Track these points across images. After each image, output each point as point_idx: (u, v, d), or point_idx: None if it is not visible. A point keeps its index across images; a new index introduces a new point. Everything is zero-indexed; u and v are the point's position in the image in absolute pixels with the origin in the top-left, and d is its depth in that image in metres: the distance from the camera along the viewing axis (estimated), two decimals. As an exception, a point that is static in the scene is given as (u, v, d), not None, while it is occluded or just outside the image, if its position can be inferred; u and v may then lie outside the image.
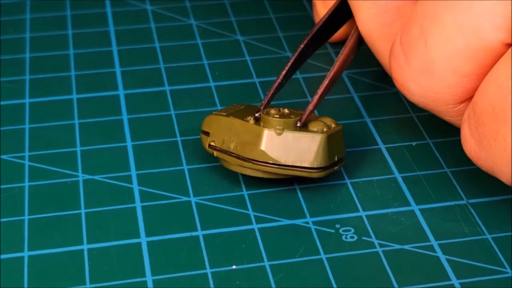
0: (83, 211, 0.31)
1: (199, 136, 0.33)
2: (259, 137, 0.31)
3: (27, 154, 0.34)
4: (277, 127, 0.31)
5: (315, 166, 0.31)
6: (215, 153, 0.32)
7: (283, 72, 0.33)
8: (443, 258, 0.30)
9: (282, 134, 0.31)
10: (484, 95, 0.28)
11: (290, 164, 0.31)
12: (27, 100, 0.37)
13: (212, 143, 0.32)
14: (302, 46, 0.34)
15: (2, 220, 0.31)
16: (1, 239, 0.30)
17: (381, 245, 0.30)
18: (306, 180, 0.32)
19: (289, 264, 0.29)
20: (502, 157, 0.28)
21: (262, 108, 0.32)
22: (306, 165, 0.31)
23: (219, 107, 0.37)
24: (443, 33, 0.28)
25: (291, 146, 0.31)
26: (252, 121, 0.32)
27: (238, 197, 0.32)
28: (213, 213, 0.31)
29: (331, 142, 0.31)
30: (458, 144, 0.30)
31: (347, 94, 0.38)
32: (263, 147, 0.31)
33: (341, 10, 0.35)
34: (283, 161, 0.31)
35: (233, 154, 0.31)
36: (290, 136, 0.31)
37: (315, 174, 0.31)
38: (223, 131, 0.32)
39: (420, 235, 0.30)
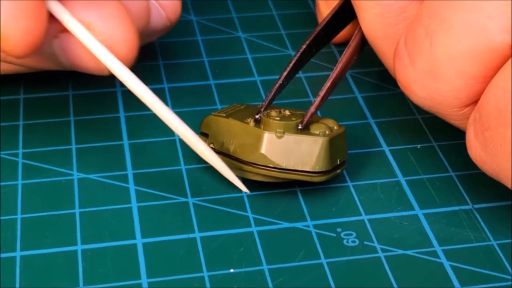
0: (77, 210, 0.31)
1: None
2: (259, 140, 0.31)
3: (20, 151, 0.34)
4: (278, 130, 0.31)
5: (316, 170, 0.31)
6: (214, 155, 0.32)
7: (285, 73, 0.33)
8: (447, 264, 0.29)
9: (283, 137, 0.31)
10: (490, 99, 0.28)
11: (291, 168, 0.31)
12: (21, 96, 0.37)
13: (211, 145, 0.32)
14: (304, 46, 0.33)
15: (-6, 218, 0.31)
16: (-7, 239, 0.30)
17: (383, 250, 0.30)
18: (308, 183, 0.32)
19: (289, 268, 0.29)
20: (508, 162, 0.28)
21: (262, 109, 0.32)
22: (308, 169, 0.31)
23: (219, 106, 0.37)
24: (449, 34, 0.28)
25: (292, 150, 0.31)
26: (252, 123, 0.31)
27: (237, 199, 0.32)
28: (211, 215, 0.31)
29: (333, 145, 0.31)
30: (464, 147, 0.30)
31: (351, 94, 0.37)
32: (263, 150, 0.31)
33: (344, 10, 0.35)
34: (284, 165, 0.31)
35: (232, 157, 0.31)
36: (291, 140, 0.31)
37: (317, 178, 0.31)
38: (222, 133, 0.32)
39: (423, 240, 0.30)
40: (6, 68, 0.33)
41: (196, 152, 0.31)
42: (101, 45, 0.31)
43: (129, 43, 0.31)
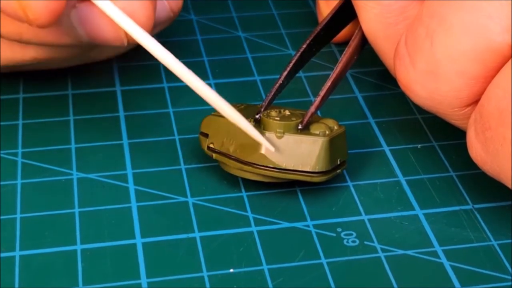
0: (76, 210, 0.31)
1: (197, 136, 0.33)
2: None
3: (20, 150, 0.34)
4: (278, 130, 0.31)
5: (316, 170, 0.31)
6: (214, 156, 0.32)
7: (285, 73, 0.33)
8: (447, 264, 0.29)
9: (283, 137, 0.31)
10: (491, 99, 0.28)
11: (291, 168, 0.31)
12: (21, 95, 0.37)
13: (211, 145, 0.32)
14: (304, 46, 0.33)
15: (-7, 218, 0.31)
16: (-8, 238, 0.30)
17: (383, 250, 0.30)
18: (308, 183, 0.32)
19: (289, 268, 0.29)
20: (508, 162, 0.28)
21: (262, 109, 0.32)
22: (308, 169, 0.31)
23: (218, 105, 0.36)
24: (449, 34, 0.28)
25: (292, 150, 0.30)
26: (252, 123, 0.31)
27: (237, 198, 0.32)
28: (211, 215, 0.31)
29: (333, 145, 0.31)
30: (464, 147, 0.30)
31: (351, 93, 0.37)
32: (263, 150, 0.30)
33: (344, 10, 0.35)
34: (284, 165, 0.30)
35: (232, 157, 0.31)
36: (291, 140, 0.31)
37: (317, 179, 0.31)
38: (222, 133, 0.32)
39: (423, 241, 0.30)
40: (18, 55, 0.33)
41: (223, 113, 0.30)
42: (121, 12, 0.30)
43: (147, 12, 0.31)
